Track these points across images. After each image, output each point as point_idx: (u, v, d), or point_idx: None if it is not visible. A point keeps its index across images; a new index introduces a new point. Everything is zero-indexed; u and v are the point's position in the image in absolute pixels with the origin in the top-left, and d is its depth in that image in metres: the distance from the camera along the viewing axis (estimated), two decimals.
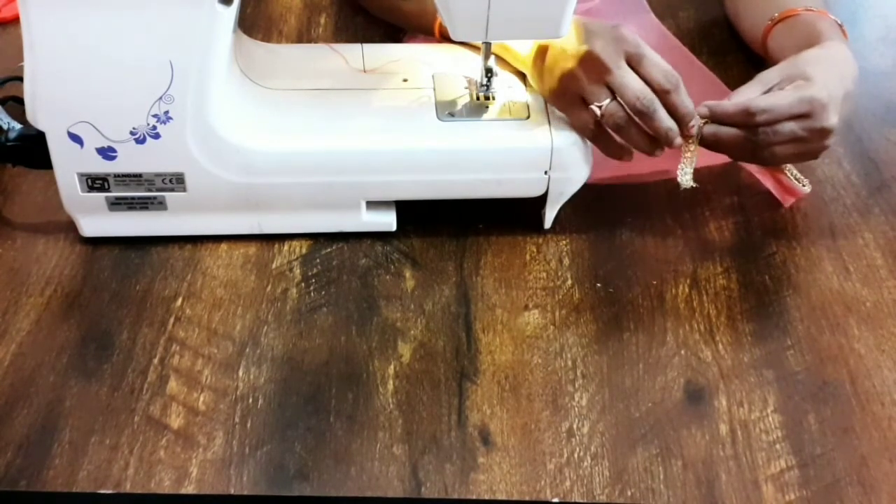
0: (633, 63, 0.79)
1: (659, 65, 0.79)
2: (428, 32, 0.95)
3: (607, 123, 0.80)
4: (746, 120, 0.80)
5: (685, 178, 0.82)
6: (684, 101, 0.79)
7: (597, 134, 0.82)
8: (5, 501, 0.68)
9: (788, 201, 0.90)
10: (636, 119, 0.79)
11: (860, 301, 0.81)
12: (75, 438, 0.70)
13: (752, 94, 0.82)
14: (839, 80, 0.83)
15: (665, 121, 0.79)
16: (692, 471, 0.69)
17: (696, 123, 0.80)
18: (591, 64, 0.79)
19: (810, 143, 0.82)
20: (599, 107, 0.79)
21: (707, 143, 0.82)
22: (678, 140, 0.80)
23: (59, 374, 0.74)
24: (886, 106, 1.03)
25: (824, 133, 0.82)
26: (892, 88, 1.06)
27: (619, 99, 0.79)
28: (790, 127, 0.80)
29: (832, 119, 0.81)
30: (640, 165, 0.86)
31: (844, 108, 0.83)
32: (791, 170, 0.89)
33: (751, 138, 0.81)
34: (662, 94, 0.79)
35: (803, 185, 0.89)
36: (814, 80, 0.81)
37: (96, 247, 0.85)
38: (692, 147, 0.81)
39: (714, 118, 0.81)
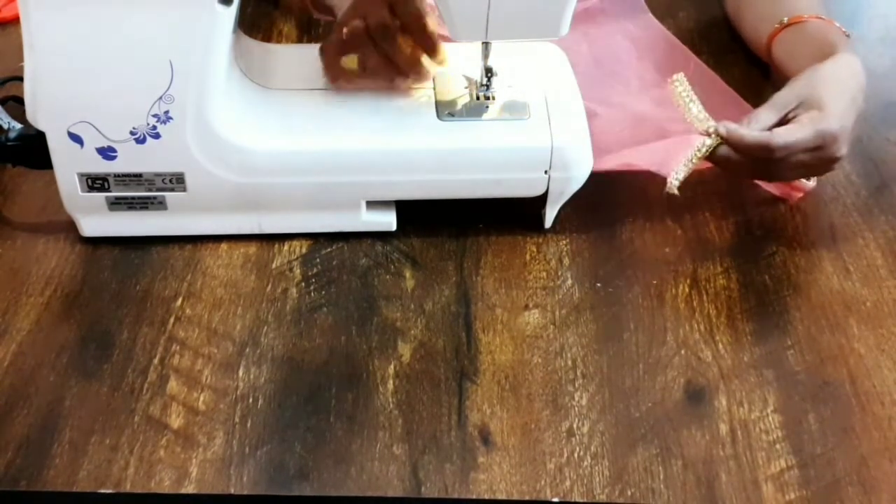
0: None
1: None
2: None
3: (349, 39, 0.84)
4: (764, 154, 0.81)
5: (674, 182, 0.82)
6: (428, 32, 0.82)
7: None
8: (5, 501, 0.68)
9: (794, 198, 0.90)
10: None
11: (860, 301, 0.81)
12: (75, 438, 0.70)
13: (768, 120, 0.83)
14: (852, 103, 0.84)
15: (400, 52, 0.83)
16: (692, 471, 0.69)
17: (710, 141, 0.82)
18: None
19: (817, 168, 0.84)
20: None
21: (717, 162, 0.83)
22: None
23: (59, 374, 0.74)
24: (886, 106, 1.03)
25: (833, 161, 0.83)
26: (892, 89, 1.06)
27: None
28: (801, 157, 0.82)
29: (842, 150, 0.82)
30: (641, 160, 0.87)
31: (854, 129, 0.84)
32: None
33: (760, 164, 0.82)
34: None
35: (807, 180, 0.89)
36: (828, 110, 0.82)
37: (96, 247, 0.85)
38: (695, 159, 0.82)
39: (731, 145, 0.82)
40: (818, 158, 0.82)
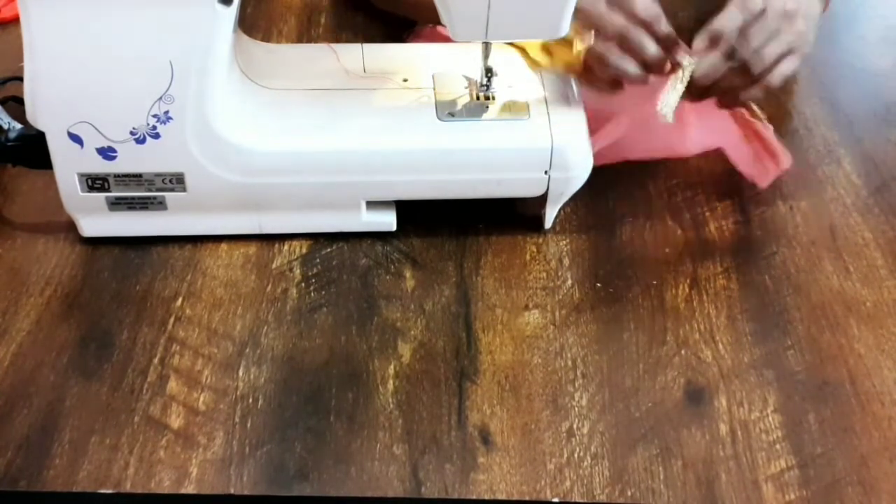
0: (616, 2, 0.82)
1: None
2: (438, 22, 0.95)
3: (591, 61, 0.83)
4: (726, 41, 0.82)
5: (666, 110, 0.82)
6: (666, 30, 0.82)
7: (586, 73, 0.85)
8: (5, 501, 0.68)
9: (773, 173, 0.89)
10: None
11: (860, 301, 0.81)
12: (75, 438, 0.70)
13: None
14: None
15: (649, 48, 0.82)
16: (692, 471, 0.69)
17: (687, 63, 0.83)
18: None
19: (785, 32, 0.83)
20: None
21: (702, 86, 0.83)
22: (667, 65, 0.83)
23: (59, 374, 0.74)
24: (886, 106, 1.03)
25: (787, 15, 0.82)
26: (893, 88, 1.06)
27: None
28: (751, 31, 0.82)
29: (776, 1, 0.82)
30: (637, 150, 0.86)
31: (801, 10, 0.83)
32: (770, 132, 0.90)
33: (735, 61, 0.82)
34: (646, 27, 0.82)
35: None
36: None
37: (96, 247, 0.85)
38: (678, 84, 0.82)
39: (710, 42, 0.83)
40: (772, 19, 0.82)
